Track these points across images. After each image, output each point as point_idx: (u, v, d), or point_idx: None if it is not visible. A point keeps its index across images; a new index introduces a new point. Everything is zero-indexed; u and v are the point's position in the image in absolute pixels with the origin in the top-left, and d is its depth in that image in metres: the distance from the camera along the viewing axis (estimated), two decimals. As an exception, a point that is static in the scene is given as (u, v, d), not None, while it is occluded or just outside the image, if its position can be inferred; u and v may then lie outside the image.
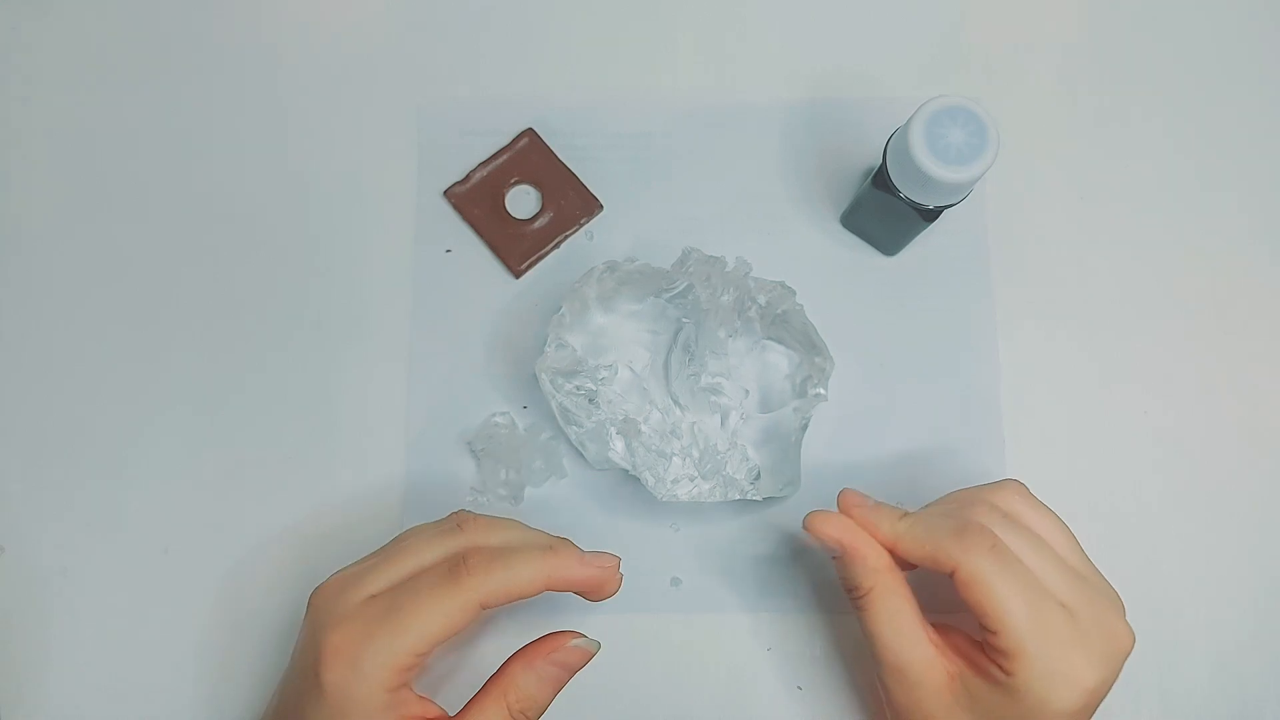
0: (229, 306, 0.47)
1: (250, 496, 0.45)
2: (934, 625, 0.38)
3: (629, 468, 0.42)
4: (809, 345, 0.44)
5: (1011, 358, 0.47)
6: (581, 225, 0.48)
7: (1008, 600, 0.34)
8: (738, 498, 0.43)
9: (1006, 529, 0.36)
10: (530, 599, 0.36)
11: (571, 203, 0.48)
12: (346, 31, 0.50)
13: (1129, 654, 0.36)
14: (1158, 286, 0.48)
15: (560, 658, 0.36)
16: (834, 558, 0.38)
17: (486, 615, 0.37)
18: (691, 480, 0.43)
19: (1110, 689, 0.36)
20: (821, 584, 0.45)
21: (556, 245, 0.48)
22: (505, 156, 0.48)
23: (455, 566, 0.35)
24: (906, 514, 0.38)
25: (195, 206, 0.48)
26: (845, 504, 0.39)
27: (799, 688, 0.44)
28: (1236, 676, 0.44)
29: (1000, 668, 0.35)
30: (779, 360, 0.46)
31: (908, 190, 0.41)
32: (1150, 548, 0.46)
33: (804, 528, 0.38)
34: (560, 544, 0.37)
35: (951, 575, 0.35)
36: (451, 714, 0.36)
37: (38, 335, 0.47)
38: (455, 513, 0.38)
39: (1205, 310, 0.48)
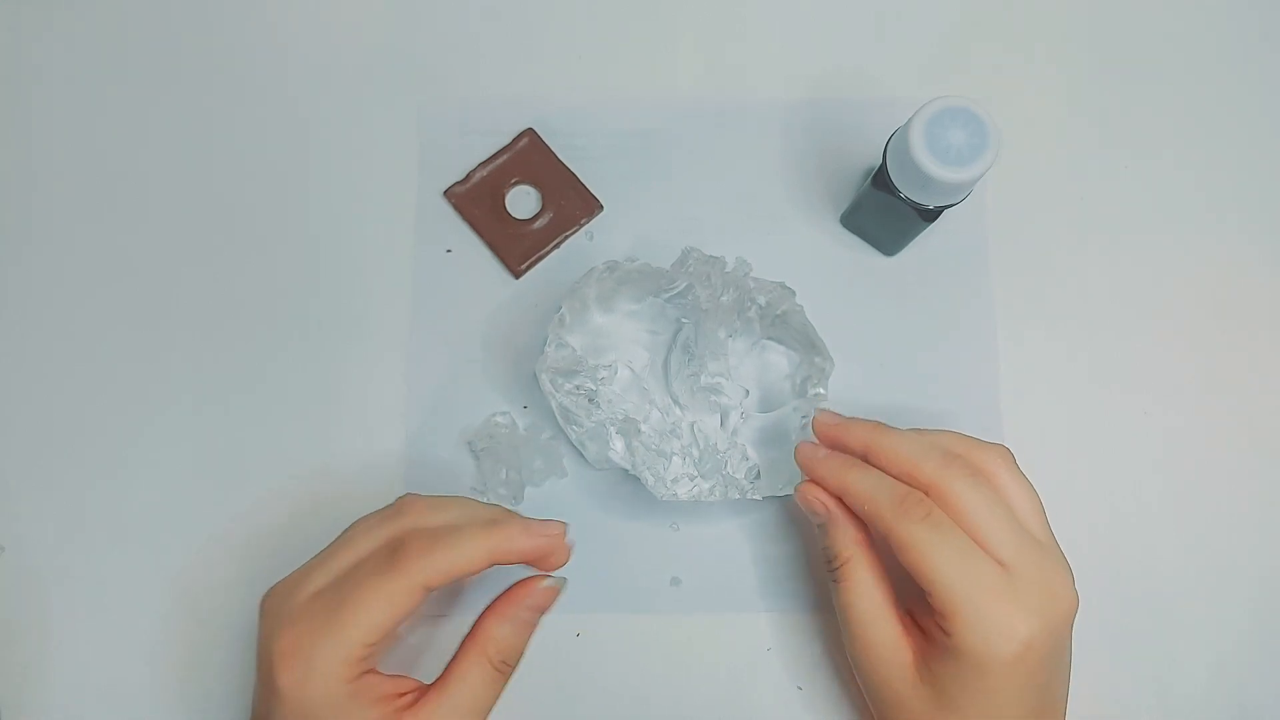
0: (229, 306, 0.47)
1: (251, 497, 0.45)
2: (905, 609, 0.38)
3: (629, 467, 0.42)
4: (808, 345, 0.44)
5: (1011, 358, 0.47)
6: (581, 225, 0.48)
7: (938, 560, 0.35)
8: (737, 497, 0.43)
9: (968, 484, 0.36)
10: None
11: (571, 203, 0.48)
12: (347, 32, 0.50)
13: (1071, 615, 0.36)
14: (1158, 286, 0.48)
15: (532, 602, 0.37)
16: (818, 525, 0.39)
17: (434, 596, 0.38)
18: (691, 479, 0.43)
19: (1056, 648, 0.36)
20: (821, 584, 0.45)
21: (556, 245, 0.48)
22: (505, 156, 0.48)
23: (394, 552, 0.35)
24: (869, 449, 0.38)
25: (196, 206, 0.48)
26: (818, 426, 0.40)
27: (799, 688, 0.44)
28: (1236, 676, 0.44)
29: (941, 629, 0.35)
30: (779, 360, 0.46)
31: (908, 190, 0.41)
32: (1150, 548, 0.46)
33: (796, 496, 0.39)
34: (504, 516, 0.38)
35: (887, 539, 0.36)
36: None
37: (39, 335, 0.47)
38: (400, 497, 0.39)
39: (1205, 310, 0.48)
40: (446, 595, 0.44)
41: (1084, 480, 0.46)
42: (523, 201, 0.49)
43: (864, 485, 0.37)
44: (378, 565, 0.35)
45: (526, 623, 0.37)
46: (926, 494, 0.36)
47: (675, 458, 0.44)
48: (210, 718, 0.44)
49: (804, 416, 0.44)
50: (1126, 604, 0.45)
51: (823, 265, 0.48)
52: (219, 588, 0.45)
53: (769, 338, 0.46)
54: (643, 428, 0.43)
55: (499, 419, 0.45)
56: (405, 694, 0.36)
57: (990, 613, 0.34)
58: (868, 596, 0.38)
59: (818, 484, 0.39)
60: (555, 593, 0.38)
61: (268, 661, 0.35)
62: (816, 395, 0.43)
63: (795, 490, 0.40)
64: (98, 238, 0.48)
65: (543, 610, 0.38)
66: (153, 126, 0.49)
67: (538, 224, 0.48)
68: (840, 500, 0.38)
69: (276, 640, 0.34)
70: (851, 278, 0.48)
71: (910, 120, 0.39)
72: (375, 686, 0.35)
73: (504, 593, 0.38)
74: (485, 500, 0.45)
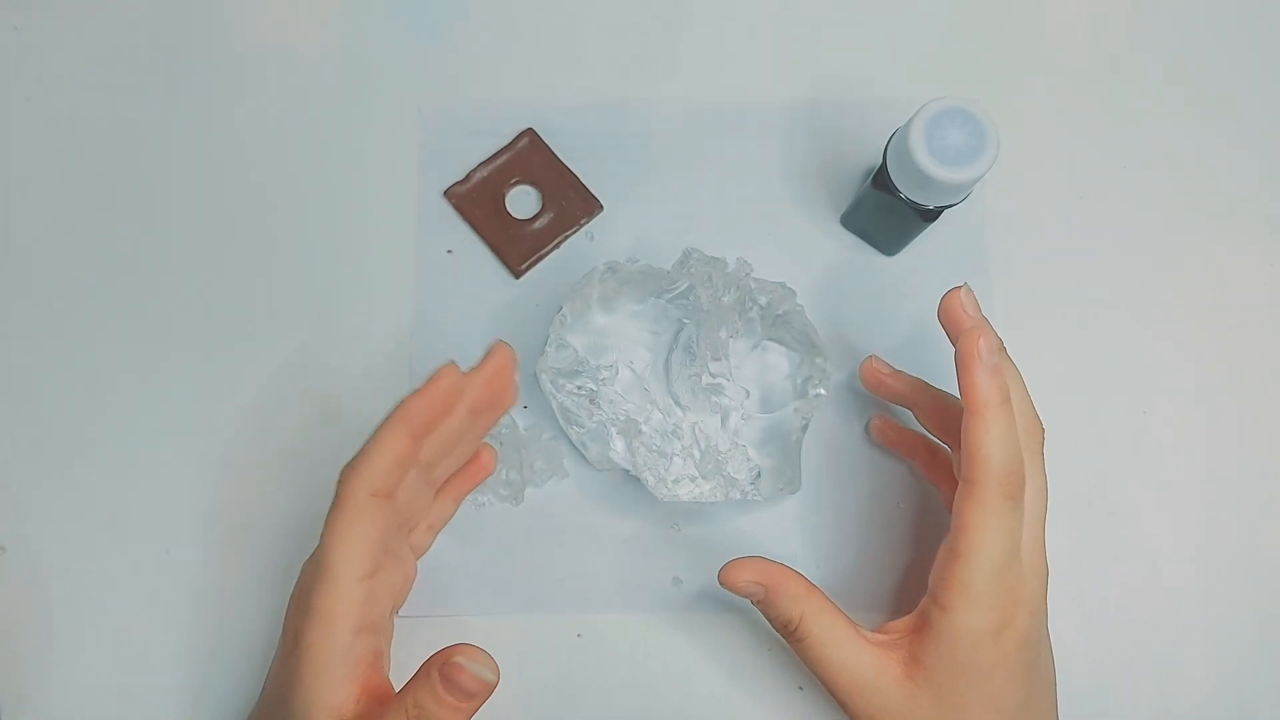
0: (229, 307, 0.47)
1: (252, 497, 0.45)
2: (866, 628, 0.38)
3: (630, 468, 0.43)
4: (809, 346, 0.44)
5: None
6: (582, 225, 0.48)
7: (988, 531, 0.35)
8: (738, 498, 0.43)
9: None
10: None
11: (572, 203, 0.48)
12: (347, 31, 0.50)
13: (1046, 588, 0.37)
14: (1157, 286, 0.48)
15: (452, 675, 0.32)
16: (756, 602, 0.38)
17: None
18: (692, 480, 0.43)
19: (1038, 622, 0.37)
20: (821, 584, 0.45)
21: (557, 245, 0.48)
22: (505, 156, 0.48)
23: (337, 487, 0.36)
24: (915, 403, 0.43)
25: (196, 207, 0.48)
26: (873, 366, 0.44)
27: (799, 688, 0.44)
28: (1236, 677, 0.44)
29: (937, 604, 0.35)
30: (780, 361, 0.46)
31: (908, 191, 0.41)
32: (1149, 549, 0.46)
33: (720, 583, 0.38)
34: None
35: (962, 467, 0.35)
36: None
37: (39, 335, 0.47)
38: None
39: (1205, 310, 0.48)
40: (431, 593, 0.44)
41: (1083, 480, 0.46)
42: (523, 201, 0.49)
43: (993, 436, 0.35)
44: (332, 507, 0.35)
45: (449, 705, 0.32)
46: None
47: (676, 458, 0.44)
48: (213, 717, 0.44)
49: (805, 417, 0.44)
50: (1126, 607, 0.45)
51: (823, 265, 0.48)
52: (220, 588, 0.45)
53: (770, 338, 0.46)
54: (644, 428, 0.43)
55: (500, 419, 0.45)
56: (376, 693, 0.35)
57: (990, 586, 0.35)
58: (834, 638, 0.37)
59: (776, 564, 0.38)
60: (478, 681, 0.32)
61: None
62: (817, 396, 0.43)
63: (720, 577, 0.38)
64: (97, 238, 0.48)
65: (468, 694, 0.32)
66: (152, 127, 0.49)
67: (538, 224, 0.48)
68: (769, 574, 0.38)
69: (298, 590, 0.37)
70: (851, 278, 0.48)
71: (910, 121, 0.39)
72: (371, 661, 0.35)
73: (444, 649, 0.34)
74: (485, 501, 0.45)
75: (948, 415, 0.41)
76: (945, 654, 0.35)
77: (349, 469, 0.35)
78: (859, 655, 0.37)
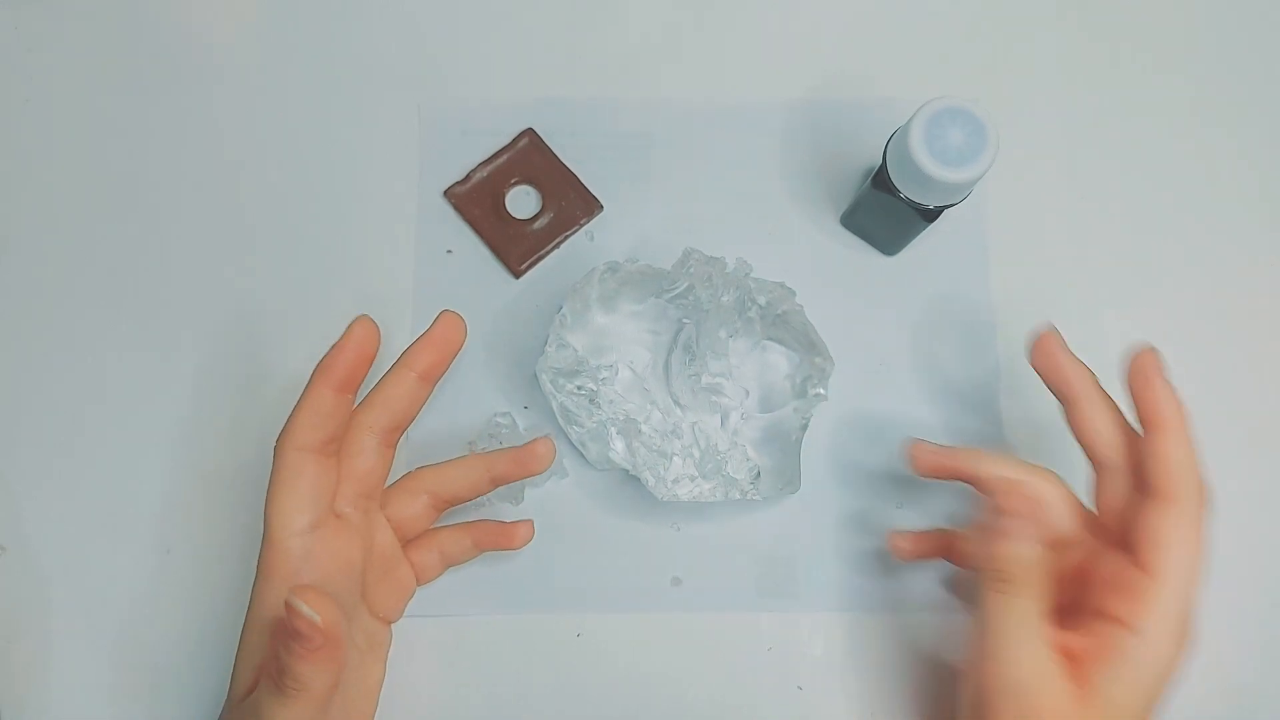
0: (230, 307, 0.47)
1: (253, 496, 0.45)
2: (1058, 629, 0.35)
3: (629, 468, 0.43)
4: (809, 345, 0.44)
5: (1011, 357, 0.47)
6: (582, 225, 0.48)
7: (1174, 550, 0.34)
8: (738, 497, 0.43)
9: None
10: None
11: (572, 203, 0.48)
12: (347, 31, 0.50)
13: None
14: (1157, 287, 0.48)
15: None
16: (1002, 518, 0.34)
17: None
18: (692, 480, 0.43)
19: None
20: (821, 584, 0.45)
21: (557, 245, 0.48)
22: (505, 156, 0.48)
23: None
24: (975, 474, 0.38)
25: (196, 206, 0.48)
26: (919, 452, 0.39)
27: (799, 688, 0.44)
28: (1236, 677, 0.44)
29: (1124, 625, 0.33)
30: (779, 360, 0.46)
31: (908, 190, 0.41)
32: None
33: (1008, 500, 0.35)
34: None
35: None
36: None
37: (38, 334, 0.47)
38: None
39: (1205, 310, 0.48)
40: (432, 593, 0.44)
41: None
42: (523, 201, 0.49)
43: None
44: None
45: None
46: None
47: (676, 458, 0.44)
48: (211, 717, 0.44)
49: (804, 417, 0.44)
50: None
51: (823, 265, 0.48)
52: (222, 588, 0.45)
53: (769, 338, 0.46)
54: (643, 428, 0.43)
55: (500, 419, 0.45)
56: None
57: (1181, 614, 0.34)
58: (1025, 624, 0.34)
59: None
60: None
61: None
62: (817, 395, 0.43)
63: (1009, 489, 0.35)
64: (96, 238, 0.48)
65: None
66: (151, 127, 0.49)
67: (538, 224, 0.48)
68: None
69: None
70: (851, 278, 0.48)
71: (910, 120, 0.39)
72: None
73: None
74: (485, 501, 0.45)
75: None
76: (1133, 682, 0.33)
77: (280, 435, 0.36)
78: (1036, 657, 0.33)
